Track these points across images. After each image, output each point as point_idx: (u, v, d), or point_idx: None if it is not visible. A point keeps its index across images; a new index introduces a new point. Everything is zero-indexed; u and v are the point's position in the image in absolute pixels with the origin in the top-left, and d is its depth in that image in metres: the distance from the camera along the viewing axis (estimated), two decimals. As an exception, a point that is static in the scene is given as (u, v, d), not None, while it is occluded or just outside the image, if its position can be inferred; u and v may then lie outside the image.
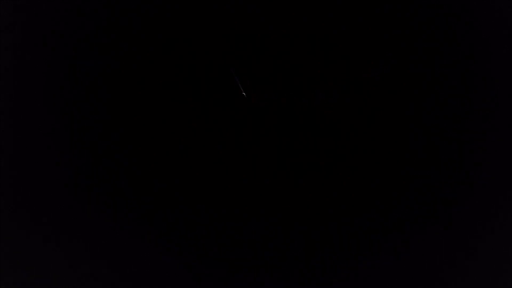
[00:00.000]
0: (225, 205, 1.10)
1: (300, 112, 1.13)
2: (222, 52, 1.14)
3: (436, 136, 1.10)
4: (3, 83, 1.05)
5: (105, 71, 1.11)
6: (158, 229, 1.08)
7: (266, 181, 1.11)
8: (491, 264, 1.02)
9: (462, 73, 1.10)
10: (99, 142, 1.09)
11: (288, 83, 1.14)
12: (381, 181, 1.10)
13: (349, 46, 1.14)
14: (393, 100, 1.13)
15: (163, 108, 1.13)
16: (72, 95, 1.09)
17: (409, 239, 1.07)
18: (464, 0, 1.10)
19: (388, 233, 1.08)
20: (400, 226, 1.08)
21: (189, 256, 1.07)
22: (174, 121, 1.13)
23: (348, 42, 1.14)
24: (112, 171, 1.09)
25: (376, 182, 1.10)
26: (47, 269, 1.02)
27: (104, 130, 1.10)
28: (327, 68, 1.14)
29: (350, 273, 1.06)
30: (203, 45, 1.14)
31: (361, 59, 1.14)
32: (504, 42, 1.07)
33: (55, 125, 1.08)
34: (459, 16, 1.10)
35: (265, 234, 1.09)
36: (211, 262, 1.06)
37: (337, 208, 1.10)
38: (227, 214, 1.10)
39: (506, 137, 1.06)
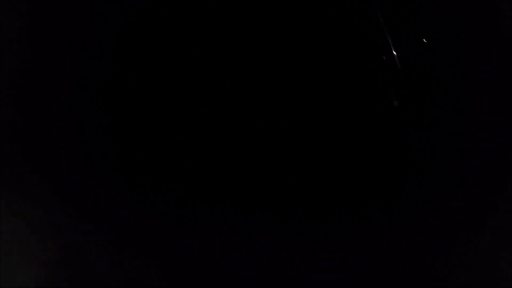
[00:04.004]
0: (225, 205, 1.10)
1: (301, 111, 1.14)
2: (222, 52, 1.14)
3: (436, 136, 1.10)
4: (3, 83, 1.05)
5: (105, 70, 1.12)
6: (158, 229, 1.08)
7: (266, 181, 1.12)
8: (491, 264, 1.02)
9: (462, 73, 1.10)
10: (98, 142, 1.10)
11: (288, 83, 1.14)
12: (381, 181, 1.11)
13: (350, 46, 1.14)
14: (393, 100, 1.13)
15: (163, 108, 1.13)
16: (72, 94, 1.09)
17: (410, 239, 1.07)
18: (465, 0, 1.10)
19: (389, 233, 1.08)
20: (401, 226, 1.08)
21: (188, 256, 1.07)
22: (174, 121, 1.13)
23: (349, 42, 1.14)
24: (111, 171, 1.09)
25: (376, 182, 1.11)
26: (46, 268, 1.02)
27: (104, 129, 1.10)
28: (328, 68, 1.14)
29: (351, 272, 1.06)
30: (203, 44, 1.14)
31: (362, 59, 1.14)
32: (504, 42, 1.08)
33: (55, 125, 1.08)
34: (459, 16, 1.10)
35: (265, 234, 1.09)
36: (210, 262, 1.06)
37: (337, 208, 1.10)
38: (227, 214, 1.10)
39: (506, 137, 1.06)
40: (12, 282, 0.98)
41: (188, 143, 1.13)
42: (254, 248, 1.08)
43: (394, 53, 1.05)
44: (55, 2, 1.09)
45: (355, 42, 1.15)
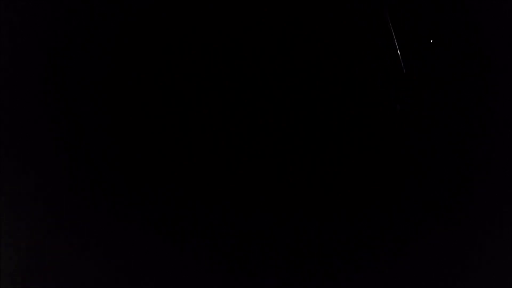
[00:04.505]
0: (225, 205, 1.10)
1: (301, 112, 1.14)
2: (222, 52, 1.14)
3: (437, 136, 1.10)
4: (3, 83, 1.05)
5: (105, 70, 1.11)
6: (158, 229, 1.08)
7: (266, 181, 1.11)
8: (491, 263, 1.02)
9: (462, 73, 1.10)
10: (98, 142, 1.09)
11: (288, 83, 1.14)
12: (381, 181, 1.10)
13: (350, 46, 1.14)
14: (393, 100, 1.13)
15: (163, 108, 1.13)
16: (72, 94, 1.09)
17: (410, 239, 1.07)
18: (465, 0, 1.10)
19: (389, 233, 1.08)
20: (401, 226, 1.08)
21: (188, 256, 1.07)
22: (174, 121, 1.13)
23: (349, 43, 1.14)
24: (110, 171, 1.09)
25: (377, 182, 1.11)
26: (46, 269, 1.02)
27: (103, 129, 1.10)
28: (328, 69, 1.14)
29: (351, 272, 1.06)
30: (203, 45, 1.14)
31: (362, 60, 1.14)
32: (504, 42, 1.08)
33: (54, 125, 1.08)
34: (459, 16, 1.10)
35: (265, 234, 1.09)
36: (210, 262, 1.06)
37: (337, 208, 1.10)
38: (227, 214, 1.09)
39: (506, 137, 1.06)
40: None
41: (188, 143, 1.13)
42: (254, 248, 1.08)
43: (399, 53, 1.04)
44: (55, 1, 1.09)
45: (356, 43, 1.14)
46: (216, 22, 1.15)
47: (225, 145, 1.13)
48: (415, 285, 1.04)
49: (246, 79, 1.14)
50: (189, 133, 1.13)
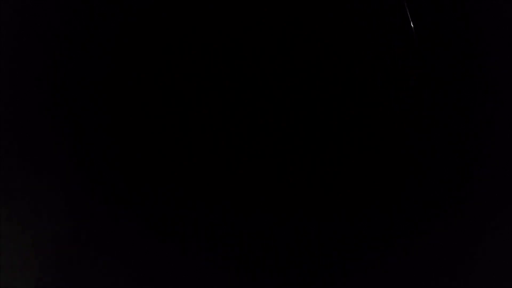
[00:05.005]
0: (225, 205, 1.10)
1: (301, 111, 1.14)
2: (222, 52, 1.14)
3: (437, 136, 1.10)
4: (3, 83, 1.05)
5: (105, 70, 1.11)
6: (158, 229, 1.08)
7: (266, 181, 1.12)
8: (491, 264, 1.02)
9: (462, 73, 1.10)
10: (98, 142, 1.09)
11: (288, 83, 1.14)
12: (381, 181, 1.11)
13: (350, 46, 1.14)
14: (393, 100, 1.13)
15: (163, 107, 1.13)
16: (72, 94, 1.09)
17: (410, 239, 1.07)
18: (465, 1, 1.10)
19: (389, 233, 1.08)
20: (401, 226, 1.08)
21: (189, 256, 1.07)
22: (174, 121, 1.13)
23: (349, 42, 1.14)
24: (110, 171, 1.09)
25: (377, 182, 1.11)
26: (47, 269, 1.02)
27: (103, 129, 1.10)
28: (328, 68, 1.14)
29: (350, 272, 1.06)
30: (203, 44, 1.14)
31: (362, 59, 1.14)
32: (504, 42, 1.08)
33: (55, 125, 1.08)
34: (459, 16, 1.10)
35: (265, 234, 1.09)
36: (210, 262, 1.06)
37: (337, 208, 1.10)
38: (227, 214, 1.10)
39: (506, 137, 1.06)
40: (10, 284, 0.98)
41: (188, 143, 1.13)
42: (254, 248, 1.08)
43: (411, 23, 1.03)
44: (56, 1, 1.09)
45: (356, 43, 1.15)
46: (216, 21, 1.15)
47: (225, 145, 1.13)
48: (415, 285, 1.04)
49: (245, 79, 1.14)
50: (189, 133, 1.13)
